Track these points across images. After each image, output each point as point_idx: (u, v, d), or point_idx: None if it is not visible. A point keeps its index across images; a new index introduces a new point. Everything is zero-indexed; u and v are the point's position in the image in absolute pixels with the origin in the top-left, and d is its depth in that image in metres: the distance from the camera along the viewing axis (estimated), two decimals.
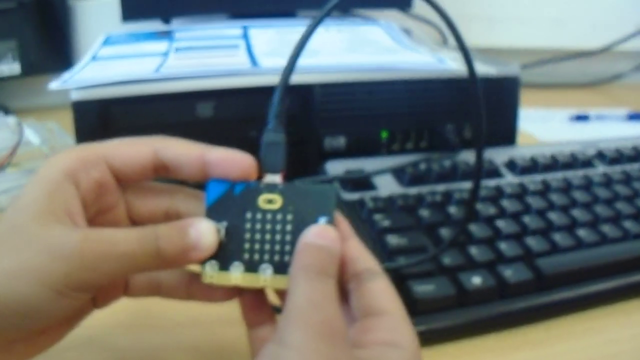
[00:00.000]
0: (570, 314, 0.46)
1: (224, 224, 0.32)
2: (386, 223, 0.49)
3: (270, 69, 0.59)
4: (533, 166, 0.60)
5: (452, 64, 0.62)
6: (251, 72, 0.59)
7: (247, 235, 0.32)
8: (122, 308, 0.37)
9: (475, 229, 0.49)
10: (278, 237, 0.32)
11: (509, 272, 0.46)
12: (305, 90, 0.58)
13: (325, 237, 0.31)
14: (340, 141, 0.60)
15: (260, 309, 0.33)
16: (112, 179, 0.33)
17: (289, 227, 0.32)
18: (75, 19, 0.98)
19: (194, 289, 0.34)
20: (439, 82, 0.61)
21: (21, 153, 0.66)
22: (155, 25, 0.87)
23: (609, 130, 0.86)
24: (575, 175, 0.59)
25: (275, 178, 0.33)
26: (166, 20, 0.89)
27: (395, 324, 0.30)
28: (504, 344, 0.43)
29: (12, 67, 0.93)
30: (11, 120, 0.83)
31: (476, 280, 0.44)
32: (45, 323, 0.30)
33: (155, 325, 0.44)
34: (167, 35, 0.77)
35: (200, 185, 0.33)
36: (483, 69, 0.62)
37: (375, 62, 0.63)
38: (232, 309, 0.35)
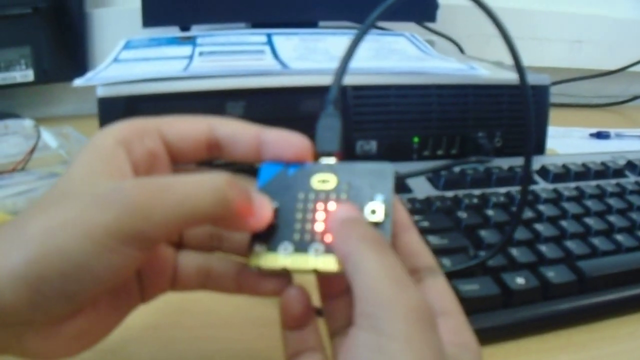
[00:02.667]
0: (613, 317, 0.46)
1: (275, 204, 0.30)
2: (426, 224, 0.48)
3: (302, 70, 0.59)
4: (566, 174, 0.60)
5: (484, 71, 0.62)
6: (283, 73, 0.59)
7: (299, 216, 0.30)
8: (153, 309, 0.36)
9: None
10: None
11: (551, 274, 0.45)
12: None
13: (355, 211, 0.29)
14: (372, 146, 0.59)
15: (301, 311, 0.31)
16: (165, 152, 0.31)
17: None
18: (92, 27, 0.97)
19: (243, 278, 0.32)
20: (471, 88, 0.62)
21: (38, 157, 0.65)
22: (173, 33, 0.87)
23: (630, 148, 0.86)
24: (609, 183, 0.59)
25: (329, 160, 0.32)
26: (185, 28, 0.89)
27: (460, 326, 0.29)
28: (549, 345, 0.43)
29: (25, 74, 0.92)
30: (27, 123, 0.83)
31: (520, 280, 0.44)
32: (91, 287, 0.26)
33: (184, 326, 0.43)
34: (189, 40, 0.77)
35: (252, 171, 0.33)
36: (515, 76, 0.62)
37: (408, 66, 0.63)
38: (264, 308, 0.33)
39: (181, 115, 0.32)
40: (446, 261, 0.44)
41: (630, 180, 0.61)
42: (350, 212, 0.29)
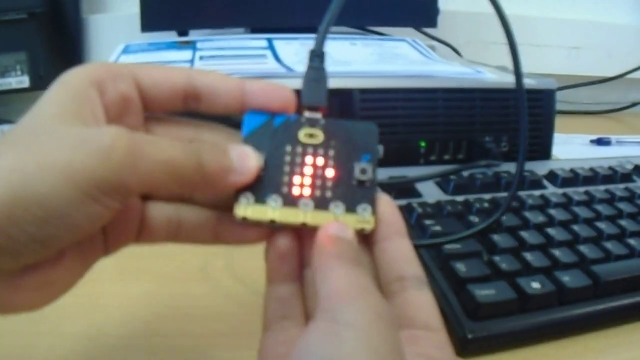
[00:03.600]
0: (629, 322, 0.45)
1: (263, 155, 0.30)
2: (438, 228, 0.47)
3: None
4: (574, 178, 0.59)
5: (490, 75, 0.61)
6: (289, 76, 0.58)
7: (287, 169, 0.30)
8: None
9: (527, 235, 0.48)
10: (319, 172, 0.30)
11: (566, 278, 0.44)
12: (345, 96, 0.57)
13: (347, 231, 0.28)
14: (379, 150, 0.59)
15: (288, 261, 0.30)
16: (138, 98, 0.30)
17: (330, 163, 0.30)
18: (88, 32, 0.97)
19: (221, 228, 0.31)
20: (477, 92, 0.61)
21: None
22: (170, 38, 0.86)
23: (631, 154, 0.86)
24: (617, 188, 0.58)
25: (316, 115, 0.31)
26: (183, 33, 0.89)
27: (441, 343, 0.28)
28: (566, 351, 0.42)
29: (20, 80, 0.90)
30: None
31: (535, 285, 0.43)
32: (66, 236, 0.25)
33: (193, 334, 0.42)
34: (189, 44, 0.76)
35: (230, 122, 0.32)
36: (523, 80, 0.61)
37: (415, 69, 0.62)
38: None
39: (158, 64, 0.31)
40: (460, 266, 0.43)
41: (638, 184, 0.61)
42: (339, 231, 0.28)
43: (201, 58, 0.69)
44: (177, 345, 0.41)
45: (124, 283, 0.47)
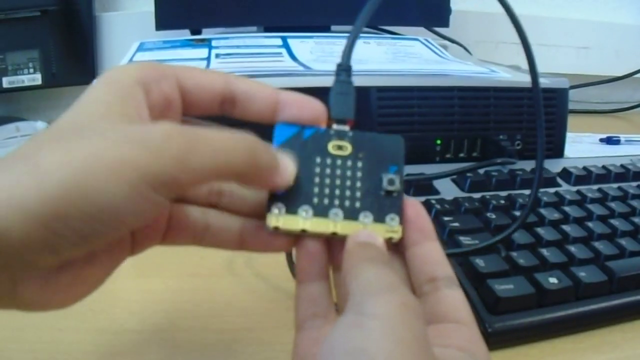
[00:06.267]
0: None
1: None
2: (456, 225, 0.48)
3: (326, 71, 0.59)
4: (587, 176, 0.60)
5: (505, 74, 0.62)
6: (307, 74, 0.59)
7: (317, 180, 0.31)
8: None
9: (543, 232, 0.49)
10: (348, 182, 0.31)
11: (583, 273, 0.45)
12: (363, 94, 0.57)
13: (376, 238, 0.30)
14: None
15: (317, 261, 0.31)
16: (180, 100, 0.30)
17: (359, 174, 0.31)
18: (100, 30, 0.97)
19: (249, 235, 0.32)
20: (492, 91, 0.62)
21: None
22: (183, 36, 0.86)
23: None
24: (630, 186, 0.59)
25: (344, 127, 0.32)
26: (196, 31, 0.89)
27: (473, 336, 0.29)
28: (583, 345, 0.43)
29: (33, 78, 0.91)
30: (40, 125, 0.82)
31: (553, 280, 0.44)
32: (110, 232, 0.25)
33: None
34: (204, 43, 0.77)
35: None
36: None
37: (432, 68, 0.63)
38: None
39: (199, 68, 0.32)
40: (479, 261, 0.44)
41: None
42: (369, 237, 0.29)
43: (217, 56, 0.69)
44: (201, 340, 0.41)
45: (145, 279, 0.48)
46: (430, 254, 0.31)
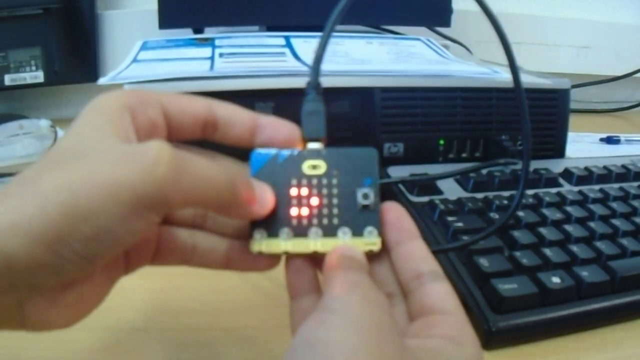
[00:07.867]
0: None
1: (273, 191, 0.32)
2: (460, 224, 0.49)
3: (329, 72, 0.59)
4: (589, 176, 0.61)
5: (506, 75, 0.62)
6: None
7: (294, 202, 0.32)
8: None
9: (545, 232, 0.49)
10: (325, 201, 0.32)
11: (585, 273, 0.46)
12: (366, 94, 0.58)
13: (353, 250, 0.31)
14: (399, 148, 0.60)
15: (305, 276, 0.32)
16: (165, 124, 0.31)
17: (335, 191, 0.32)
18: (102, 28, 0.97)
19: (234, 256, 0.33)
20: (494, 91, 0.62)
21: None
22: (185, 35, 0.86)
23: None
24: (631, 186, 0.59)
25: (317, 145, 0.33)
26: (199, 31, 0.89)
27: (460, 325, 0.29)
28: (586, 344, 0.43)
29: (35, 75, 0.91)
30: (43, 123, 0.82)
31: (556, 279, 0.44)
32: (109, 252, 0.26)
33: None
34: (208, 42, 0.77)
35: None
36: (537, 80, 0.63)
37: (434, 69, 0.64)
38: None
39: (182, 94, 0.33)
40: (483, 261, 0.45)
41: None
42: (347, 251, 0.30)
43: (221, 55, 0.69)
44: (207, 338, 0.42)
45: (152, 278, 0.47)
46: (414, 251, 0.31)
